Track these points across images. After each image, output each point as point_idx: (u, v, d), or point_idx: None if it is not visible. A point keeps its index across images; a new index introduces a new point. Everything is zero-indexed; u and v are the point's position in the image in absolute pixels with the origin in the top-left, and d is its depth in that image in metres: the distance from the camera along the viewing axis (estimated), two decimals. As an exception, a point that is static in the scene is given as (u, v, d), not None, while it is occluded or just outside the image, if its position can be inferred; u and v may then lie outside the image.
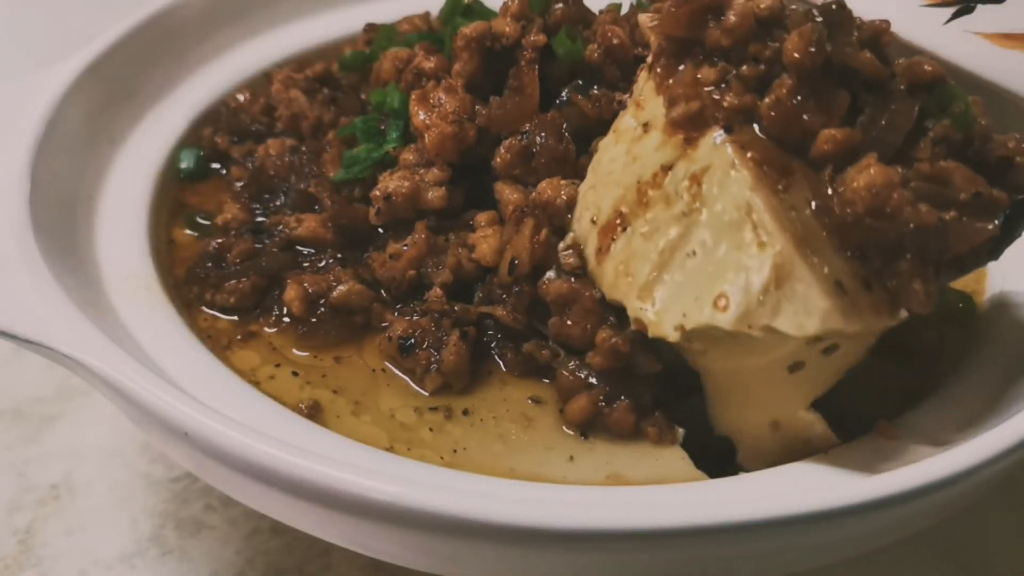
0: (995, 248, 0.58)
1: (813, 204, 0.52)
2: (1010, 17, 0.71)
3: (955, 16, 0.73)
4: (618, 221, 0.61)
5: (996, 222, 0.53)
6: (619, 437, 0.62)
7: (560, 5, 0.74)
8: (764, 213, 0.52)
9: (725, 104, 0.55)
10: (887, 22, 0.57)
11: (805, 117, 0.53)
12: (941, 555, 0.71)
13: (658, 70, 0.59)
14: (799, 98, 0.53)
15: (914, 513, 0.52)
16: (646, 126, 0.61)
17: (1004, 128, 0.73)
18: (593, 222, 0.63)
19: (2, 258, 0.63)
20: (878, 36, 0.57)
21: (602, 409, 0.62)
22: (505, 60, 0.73)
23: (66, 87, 0.77)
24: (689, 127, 0.56)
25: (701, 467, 0.60)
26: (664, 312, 0.56)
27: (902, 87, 0.56)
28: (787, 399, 0.58)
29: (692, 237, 0.56)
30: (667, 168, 0.58)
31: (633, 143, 0.61)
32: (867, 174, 0.51)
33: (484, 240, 0.68)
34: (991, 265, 0.76)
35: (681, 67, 0.58)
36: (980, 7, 0.65)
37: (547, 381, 0.66)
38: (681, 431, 0.62)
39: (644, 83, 0.62)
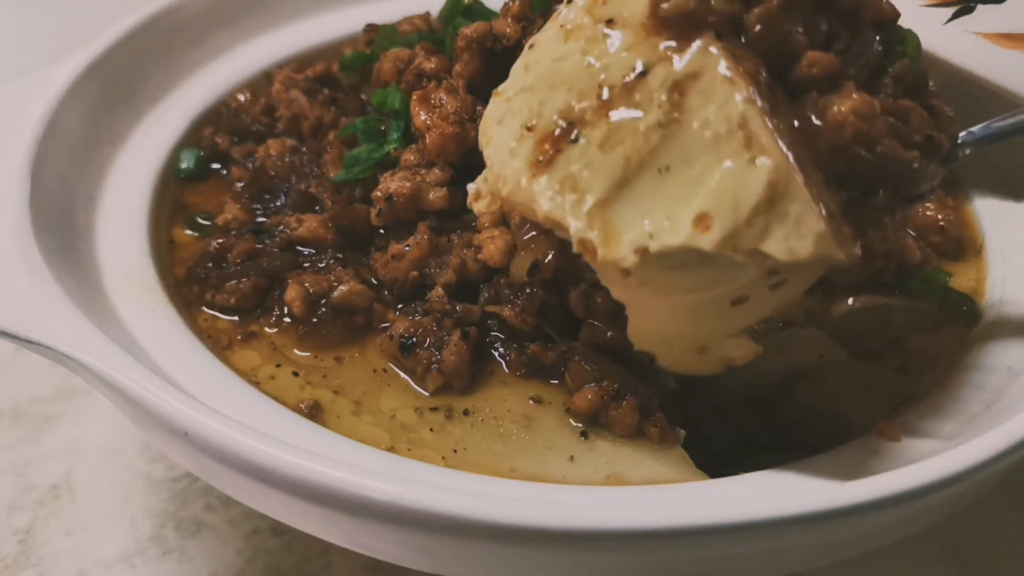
0: (932, 190, 0.57)
1: (796, 127, 0.50)
2: (1010, 17, 0.71)
3: (955, 16, 0.73)
4: (567, 129, 0.53)
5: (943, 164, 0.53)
6: (621, 436, 0.62)
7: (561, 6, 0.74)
8: (760, 128, 0.48)
9: (713, 7, 0.51)
10: None
11: (792, 35, 0.51)
12: (941, 555, 0.71)
13: None
14: (787, 14, 0.51)
15: (914, 513, 0.52)
16: (610, 22, 0.54)
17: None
18: (528, 129, 0.55)
19: (2, 258, 0.63)
20: None
21: (608, 404, 0.62)
22: (506, 61, 0.73)
23: (66, 87, 0.77)
24: (679, 27, 0.51)
25: (701, 467, 0.60)
26: (622, 232, 0.51)
27: (868, 21, 0.54)
28: (721, 329, 0.56)
29: (667, 150, 0.50)
30: (641, 73, 0.52)
31: (591, 42, 0.54)
32: (851, 100, 0.50)
33: (491, 241, 0.68)
34: (991, 266, 0.76)
35: None
36: (980, 7, 0.65)
37: (550, 382, 0.66)
38: (682, 432, 0.62)
39: None
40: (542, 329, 0.67)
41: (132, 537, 0.73)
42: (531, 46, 0.58)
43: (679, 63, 0.51)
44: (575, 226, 0.52)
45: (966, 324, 0.71)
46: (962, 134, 0.66)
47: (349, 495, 0.49)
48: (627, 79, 0.52)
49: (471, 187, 0.60)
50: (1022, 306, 0.71)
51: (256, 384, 0.65)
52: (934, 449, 0.58)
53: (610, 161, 0.52)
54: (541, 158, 0.54)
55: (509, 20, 0.73)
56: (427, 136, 0.71)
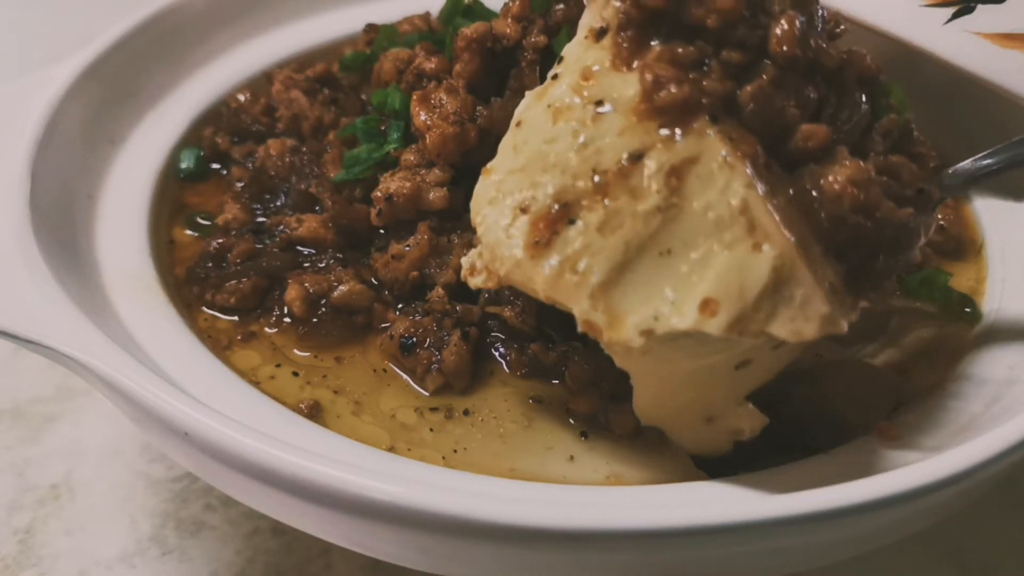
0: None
1: (795, 201, 0.50)
2: (1010, 17, 0.71)
3: (955, 16, 0.73)
4: (562, 212, 0.52)
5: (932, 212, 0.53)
6: (620, 436, 0.62)
7: (561, 6, 0.74)
8: (762, 214, 0.49)
9: (706, 89, 0.51)
10: (838, 12, 0.56)
11: (785, 110, 0.51)
12: (941, 555, 0.71)
13: (623, 43, 0.53)
14: (779, 89, 0.51)
15: (914, 513, 0.52)
16: (599, 104, 0.53)
17: (1006, 129, 0.73)
18: (522, 210, 0.54)
19: (2, 258, 0.63)
20: (836, 25, 0.56)
21: (608, 404, 0.62)
22: (506, 61, 0.73)
23: (66, 87, 0.77)
24: (676, 113, 0.50)
25: (701, 467, 0.60)
26: (627, 315, 0.50)
27: (854, 79, 0.55)
28: (726, 395, 0.56)
29: (668, 234, 0.50)
30: (636, 156, 0.51)
31: (583, 124, 0.53)
32: (846, 168, 0.50)
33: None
34: (991, 266, 0.76)
35: (653, 43, 0.52)
36: (980, 7, 0.65)
37: (550, 382, 0.66)
38: (681, 431, 0.62)
39: (585, 52, 0.55)
40: (542, 329, 0.67)
41: (132, 537, 0.73)
42: (518, 124, 0.57)
43: (676, 148, 0.50)
44: (579, 308, 0.52)
45: (966, 325, 0.71)
46: (947, 173, 0.66)
47: (349, 495, 0.49)
48: (622, 163, 0.51)
49: (465, 261, 0.59)
50: (1022, 306, 0.71)
51: (256, 384, 0.65)
52: (933, 449, 0.58)
53: (610, 244, 0.51)
54: (538, 240, 0.53)
55: (509, 20, 0.73)
56: (427, 136, 0.71)
